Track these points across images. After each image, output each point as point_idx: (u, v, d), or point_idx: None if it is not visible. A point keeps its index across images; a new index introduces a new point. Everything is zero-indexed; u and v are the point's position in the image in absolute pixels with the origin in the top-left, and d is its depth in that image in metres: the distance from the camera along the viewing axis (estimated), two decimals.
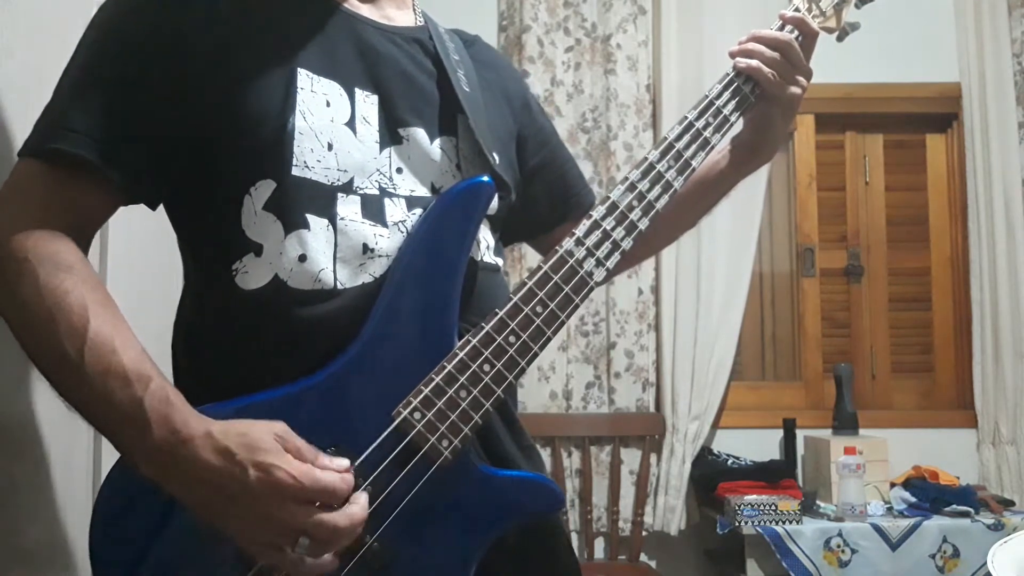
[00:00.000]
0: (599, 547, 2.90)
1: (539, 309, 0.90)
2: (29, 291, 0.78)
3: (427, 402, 0.85)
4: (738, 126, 1.08)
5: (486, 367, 0.87)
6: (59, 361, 0.77)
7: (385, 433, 0.84)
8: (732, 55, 1.05)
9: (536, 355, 0.90)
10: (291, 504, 0.74)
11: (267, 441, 0.75)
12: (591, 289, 0.93)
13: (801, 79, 1.06)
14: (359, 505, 0.78)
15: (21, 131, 0.98)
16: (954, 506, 2.54)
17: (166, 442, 0.74)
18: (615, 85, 2.97)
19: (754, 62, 1.03)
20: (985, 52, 3.02)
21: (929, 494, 2.61)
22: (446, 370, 0.86)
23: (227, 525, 0.76)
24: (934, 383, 3.16)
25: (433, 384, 0.85)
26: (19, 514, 1.02)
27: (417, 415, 0.85)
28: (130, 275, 1.31)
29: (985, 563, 0.87)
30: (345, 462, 0.79)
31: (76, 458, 1.17)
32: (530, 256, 2.88)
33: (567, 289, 0.91)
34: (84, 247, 0.86)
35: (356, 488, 0.81)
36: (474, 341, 0.87)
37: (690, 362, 2.88)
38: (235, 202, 0.88)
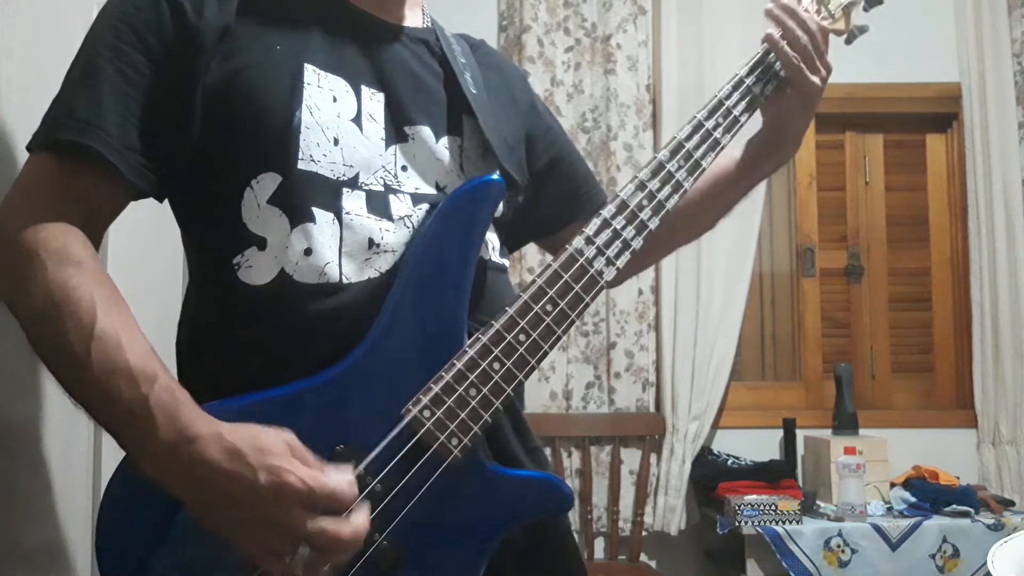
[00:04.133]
0: (599, 547, 2.90)
1: (549, 308, 0.89)
2: (37, 286, 0.77)
3: (437, 400, 0.85)
4: (749, 126, 1.07)
5: (496, 365, 0.87)
6: (65, 357, 0.77)
7: (395, 431, 0.84)
8: (768, 14, 1.04)
9: (546, 354, 0.89)
10: (297, 509, 0.73)
11: (278, 445, 0.74)
12: (601, 288, 0.93)
13: (822, 70, 1.05)
14: (362, 517, 0.76)
15: (21, 131, 0.98)
16: (954, 506, 2.54)
17: (172, 441, 0.73)
18: (615, 85, 2.97)
19: (781, 40, 1.02)
20: (985, 52, 3.02)
21: (929, 494, 2.61)
22: (456, 368, 0.86)
23: (227, 528, 0.74)
24: (934, 383, 3.16)
25: (443, 382, 0.85)
26: (19, 514, 1.02)
27: (427, 413, 0.84)
28: (130, 270, 1.30)
29: (985, 563, 0.87)
30: (350, 474, 0.77)
31: (76, 458, 1.17)
32: (530, 256, 2.88)
33: (577, 288, 0.91)
34: (95, 241, 0.85)
35: (366, 486, 0.81)
36: (484, 339, 0.87)
37: (690, 362, 2.88)
38: (236, 195, 0.87)
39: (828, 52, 1.07)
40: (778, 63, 1.05)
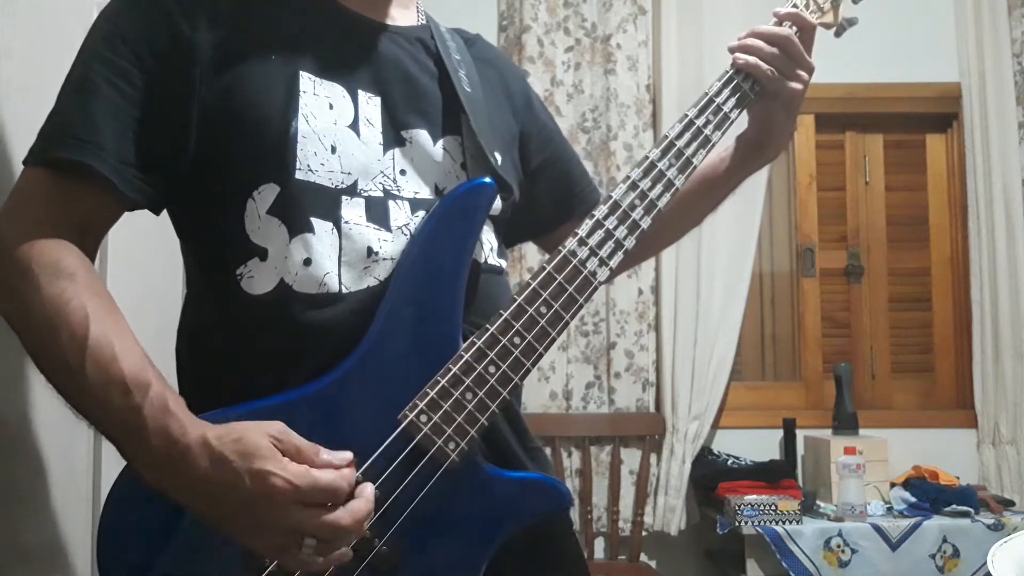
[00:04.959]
0: (599, 547, 2.90)
1: (543, 310, 0.89)
2: (31, 300, 0.78)
3: (433, 405, 0.85)
4: (740, 123, 1.07)
5: (491, 369, 0.87)
6: (61, 369, 0.77)
7: (392, 437, 0.84)
8: (731, 50, 1.04)
9: (541, 356, 0.89)
10: (292, 508, 0.73)
11: (262, 446, 0.74)
12: (595, 289, 0.93)
13: (802, 74, 1.05)
14: (363, 499, 0.77)
15: (21, 132, 0.98)
16: (954, 506, 2.54)
17: (164, 452, 0.74)
18: (615, 85, 2.97)
19: (752, 59, 1.02)
20: (985, 52, 3.02)
21: (929, 494, 2.61)
22: (451, 372, 0.86)
23: (232, 531, 0.75)
24: (934, 383, 3.16)
25: (438, 387, 0.85)
26: (19, 514, 1.02)
27: (423, 418, 0.84)
28: (130, 276, 1.30)
29: (985, 563, 0.87)
30: (347, 455, 0.78)
31: (76, 458, 1.17)
32: (530, 256, 2.88)
33: (571, 289, 0.91)
34: (90, 253, 0.85)
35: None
36: (479, 343, 0.87)
37: (690, 362, 2.88)
38: (238, 206, 0.87)
39: (813, 47, 1.07)
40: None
